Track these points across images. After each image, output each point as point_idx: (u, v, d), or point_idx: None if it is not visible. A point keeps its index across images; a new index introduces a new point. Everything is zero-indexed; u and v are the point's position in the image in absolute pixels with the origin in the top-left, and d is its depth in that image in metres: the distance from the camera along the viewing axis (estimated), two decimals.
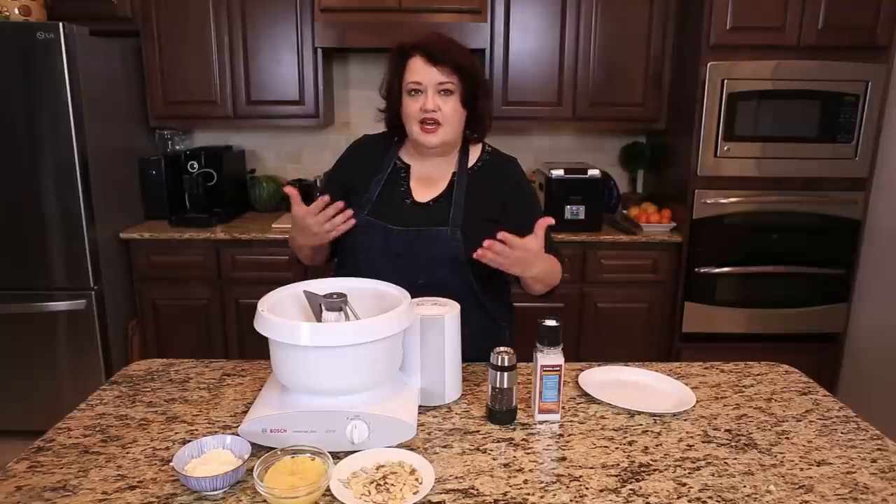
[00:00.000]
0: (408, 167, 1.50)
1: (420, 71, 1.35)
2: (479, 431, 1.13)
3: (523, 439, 1.11)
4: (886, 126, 2.70)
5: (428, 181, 1.48)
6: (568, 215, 2.84)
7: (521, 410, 1.20)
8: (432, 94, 1.35)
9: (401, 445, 1.06)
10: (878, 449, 1.10)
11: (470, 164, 1.49)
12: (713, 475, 1.01)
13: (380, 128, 1.56)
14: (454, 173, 1.47)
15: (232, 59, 2.90)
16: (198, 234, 2.78)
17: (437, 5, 2.77)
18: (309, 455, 0.96)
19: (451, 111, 1.37)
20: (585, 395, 1.27)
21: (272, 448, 0.98)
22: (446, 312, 1.18)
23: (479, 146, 1.52)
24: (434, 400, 1.21)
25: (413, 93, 1.37)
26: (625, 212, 3.04)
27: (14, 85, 2.45)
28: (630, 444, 1.10)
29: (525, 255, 1.25)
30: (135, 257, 2.82)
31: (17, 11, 2.59)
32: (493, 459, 1.04)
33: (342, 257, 1.50)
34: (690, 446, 1.09)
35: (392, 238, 1.40)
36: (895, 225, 2.67)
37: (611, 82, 2.92)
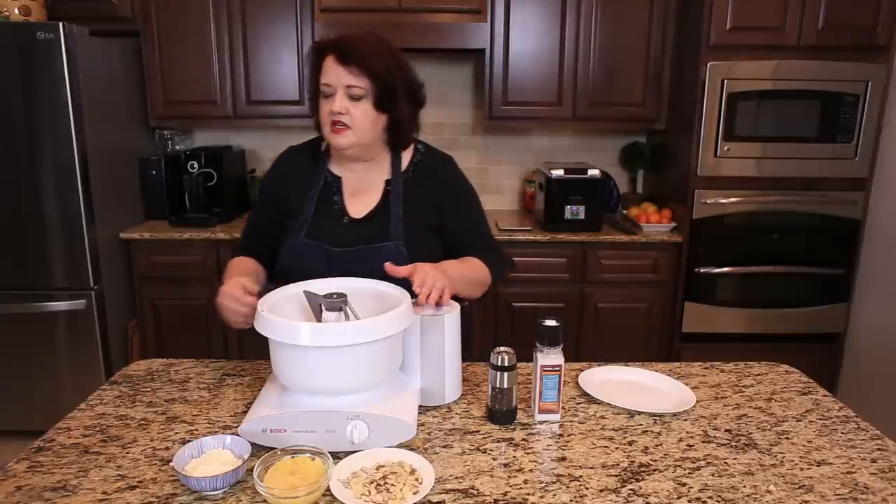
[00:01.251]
0: (339, 179, 1.43)
1: (330, 71, 1.29)
2: (479, 431, 1.13)
3: (523, 439, 1.11)
4: (886, 126, 2.70)
5: (360, 193, 1.41)
6: (568, 215, 2.84)
7: (521, 410, 1.20)
8: (340, 96, 1.29)
9: (401, 445, 1.06)
10: (878, 449, 1.10)
11: (402, 168, 1.42)
12: (713, 475, 1.01)
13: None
14: (387, 181, 1.41)
15: (232, 59, 2.90)
16: (198, 234, 2.78)
17: (436, 5, 2.77)
18: (309, 455, 0.96)
19: (360, 115, 1.30)
20: (585, 395, 1.27)
21: (272, 448, 0.98)
22: (446, 312, 1.18)
23: (411, 148, 1.45)
24: (434, 400, 1.21)
25: (326, 95, 1.31)
26: (625, 212, 3.04)
27: (14, 85, 2.45)
28: (630, 444, 1.10)
29: (424, 271, 1.18)
30: (135, 257, 2.82)
31: (17, 11, 2.59)
32: (493, 459, 1.04)
33: (283, 282, 1.33)
34: (690, 446, 1.09)
35: (334, 260, 1.34)
36: (895, 225, 2.67)
37: (611, 82, 2.92)
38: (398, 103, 1.33)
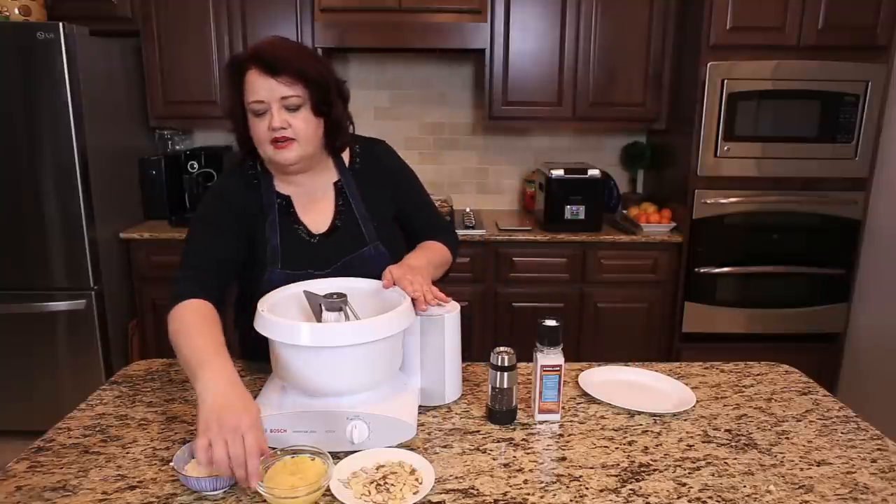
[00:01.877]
0: (288, 198, 1.35)
1: (259, 86, 1.19)
2: (479, 431, 1.13)
3: (523, 439, 1.11)
4: (886, 126, 2.70)
5: (312, 205, 1.36)
6: (568, 215, 2.84)
7: (521, 410, 1.20)
8: (277, 110, 1.19)
9: (401, 445, 1.06)
10: (878, 449, 1.10)
11: (346, 164, 1.39)
12: (713, 475, 1.01)
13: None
14: (335, 183, 1.37)
15: None
16: None
17: (437, 5, 2.77)
18: (309, 455, 0.96)
19: (302, 124, 1.22)
20: (585, 395, 1.27)
21: (272, 448, 0.98)
22: (446, 312, 1.18)
23: None
24: (434, 400, 1.21)
25: (258, 113, 1.21)
26: (625, 212, 3.04)
27: (14, 85, 2.44)
28: (630, 444, 1.10)
29: (409, 277, 1.17)
30: (135, 257, 2.82)
31: (17, 11, 2.59)
32: (493, 459, 1.04)
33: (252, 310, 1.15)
34: (690, 446, 1.09)
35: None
36: (895, 225, 2.67)
37: (611, 82, 2.92)
38: (333, 104, 1.27)
